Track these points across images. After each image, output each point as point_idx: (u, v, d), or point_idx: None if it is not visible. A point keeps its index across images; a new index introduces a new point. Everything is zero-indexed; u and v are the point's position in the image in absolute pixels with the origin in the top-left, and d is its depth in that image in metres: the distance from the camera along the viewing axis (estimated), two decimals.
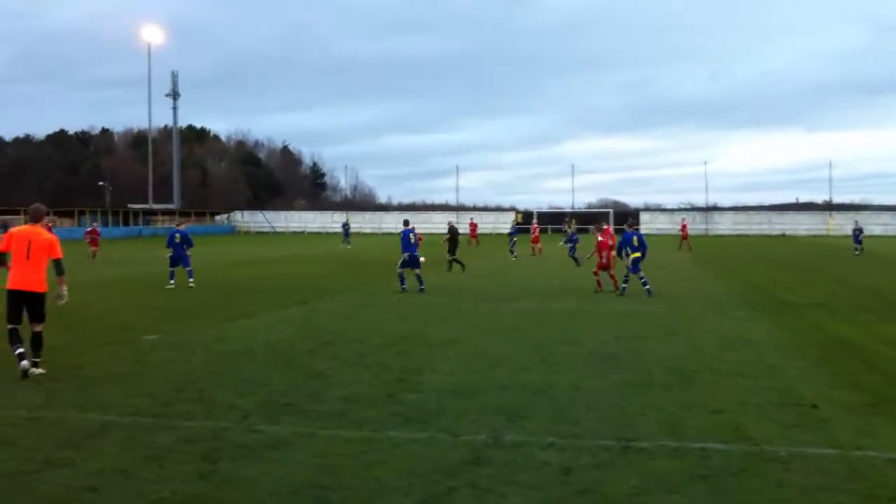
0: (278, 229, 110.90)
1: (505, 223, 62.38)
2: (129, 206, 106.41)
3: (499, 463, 7.21)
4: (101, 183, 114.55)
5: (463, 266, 31.94)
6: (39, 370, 11.20)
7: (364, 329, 15.93)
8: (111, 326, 16.30)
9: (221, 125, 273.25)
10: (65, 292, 11.58)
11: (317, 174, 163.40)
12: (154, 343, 14.10)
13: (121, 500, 6.24)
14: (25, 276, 11.18)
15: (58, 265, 11.40)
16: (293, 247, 59.65)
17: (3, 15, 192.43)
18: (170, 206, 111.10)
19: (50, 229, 12.15)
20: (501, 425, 8.48)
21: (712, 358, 12.67)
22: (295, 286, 25.19)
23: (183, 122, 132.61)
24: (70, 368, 11.75)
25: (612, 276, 23.64)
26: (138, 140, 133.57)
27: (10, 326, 11.19)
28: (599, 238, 24.08)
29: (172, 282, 25.66)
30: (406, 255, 24.42)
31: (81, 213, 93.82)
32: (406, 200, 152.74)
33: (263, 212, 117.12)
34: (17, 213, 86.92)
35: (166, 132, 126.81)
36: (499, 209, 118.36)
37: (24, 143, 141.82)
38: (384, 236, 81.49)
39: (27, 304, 11.24)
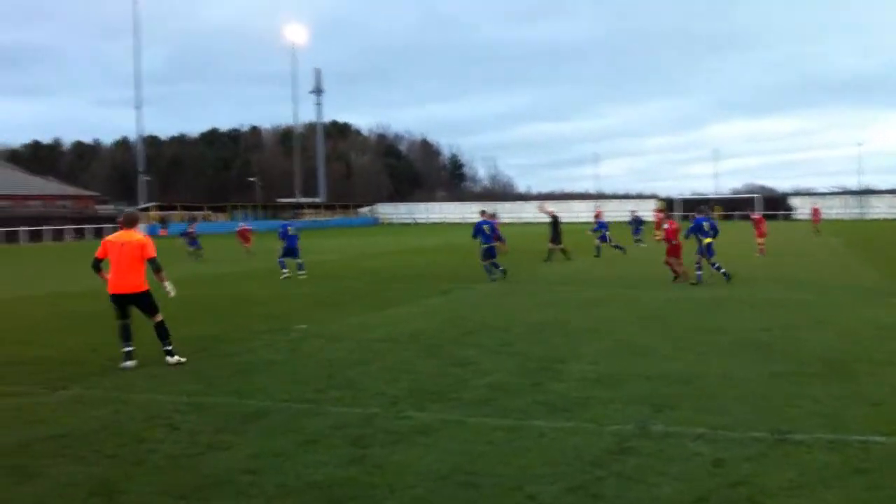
0: (419, 220, 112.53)
1: (646, 211, 61.12)
2: (278, 200, 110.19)
3: (646, 453, 7.11)
4: (250, 178, 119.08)
5: (567, 254, 31.76)
6: (176, 358, 11.72)
7: (505, 317, 15.99)
8: (263, 316, 16.96)
9: (363, 119, 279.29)
10: (168, 287, 11.88)
11: (455, 165, 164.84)
12: (304, 332, 14.58)
13: (278, 482, 6.50)
14: (123, 279, 11.64)
15: (153, 263, 11.71)
16: (434, 237, 60.37)
17: (157, 16, 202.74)
18: (315, 200, 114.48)
19: (163, 226, 12.72)
20: (648, 415, 8.35)
21: (869, 348, 12.08)
22: (436, 275, 25.55)
23: (326, 118, 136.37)
24: (226, 356, 12.30)
25: (679, 264, 23.15)
26: (285, 136, 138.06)
27: (119, 322, 11.76)
28: (666, 226, 23.94)
29: (285, 271, 26.70)
30: (484, 246, 24.65)
31: (234, 207, 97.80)
32: (545, 189, 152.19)
33: (404, 203, 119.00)
34: (174, 208, 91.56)
35: (311, 128, 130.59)
36: (640, 196, 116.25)
37: (180, 141, 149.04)
38: (524, 226, 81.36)
39: (131, 304, 11.74)
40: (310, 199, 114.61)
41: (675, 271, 22.91)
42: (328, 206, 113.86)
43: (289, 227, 27.66)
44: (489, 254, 24.71)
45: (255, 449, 7.42)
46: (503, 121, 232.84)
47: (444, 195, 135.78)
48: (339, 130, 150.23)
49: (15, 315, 18.29)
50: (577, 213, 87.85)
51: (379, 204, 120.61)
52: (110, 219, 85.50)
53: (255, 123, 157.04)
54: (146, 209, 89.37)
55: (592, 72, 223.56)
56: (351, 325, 15.49)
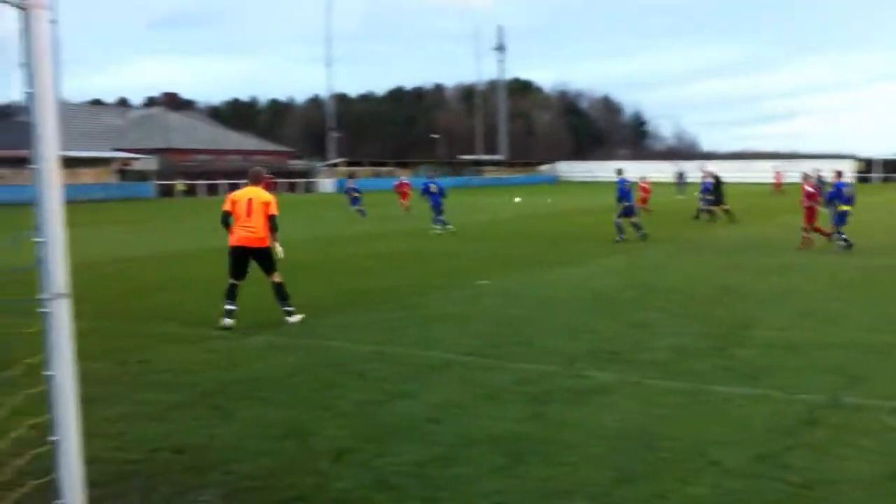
0: (600, 179, 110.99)
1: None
2: (459, 157, 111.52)
3: (837, 425, 6.81)
4: (433, 136, 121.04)
5: (732, 216, 30.77)
6: (295, 318, 11.76)
7: (686, 279, 15.63)
8: (442, 272, 17.33)
9: (544, 76, 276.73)
10: (278, 248, 11.92)
11: (638, 122, 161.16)
12: (485, 288, 14.80)
13: (460, 433, 6.67)
14: (246, 232, 11.73)
15: (271, 221, 11.80)
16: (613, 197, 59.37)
17: None
18: (497, 158, 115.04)
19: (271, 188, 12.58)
20: (840, 386, 7.98)
21: None
22: (614, 235, 25.14)
23: (509, 75, 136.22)
24: (409, 309, 12.68)
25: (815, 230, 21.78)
26: (467, 94, 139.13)
27: (231, 281, 11.75)
28: (809, 189, 22.36)
29: (437, 227, 27.55)
30: (625, 204, 24.57)
31: (417, 164, 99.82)
32: (732, 148, 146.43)
33: (584, 161, 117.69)
34: (360, 164, 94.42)
35: (493, 85, 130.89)
36: (837, 156, 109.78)
37: (368, 99, 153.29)
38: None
39: (252, 259, 11.79)
40: (491, 157, 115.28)
41: (820, 232, 21.74)
42: (509, 164, 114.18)
43: (430, 185, 28.33)
44: (628, 212, 24.74)
45: (437, 399, 7.64)
46: (688, 77, 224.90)
47: (626, 153, 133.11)
48: (520, 88, 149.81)
49: (214, 264, 19.47)
50: (758, 174, 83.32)
51: (559, 162, 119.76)
52: (302, 173, 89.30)
53: (439, 81, 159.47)
54: (335, 165, 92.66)
55: (783, 22, 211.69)
56: (529, 282, 15.58)
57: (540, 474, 5.73)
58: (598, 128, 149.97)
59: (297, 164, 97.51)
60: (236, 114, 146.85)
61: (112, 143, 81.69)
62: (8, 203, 38.67)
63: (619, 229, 24.25)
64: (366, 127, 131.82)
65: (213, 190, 75.51)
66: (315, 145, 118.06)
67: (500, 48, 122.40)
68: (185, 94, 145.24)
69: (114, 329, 11.19)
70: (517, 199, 46.18)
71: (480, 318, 11.92)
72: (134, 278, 17.09)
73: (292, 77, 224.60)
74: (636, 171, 39.20)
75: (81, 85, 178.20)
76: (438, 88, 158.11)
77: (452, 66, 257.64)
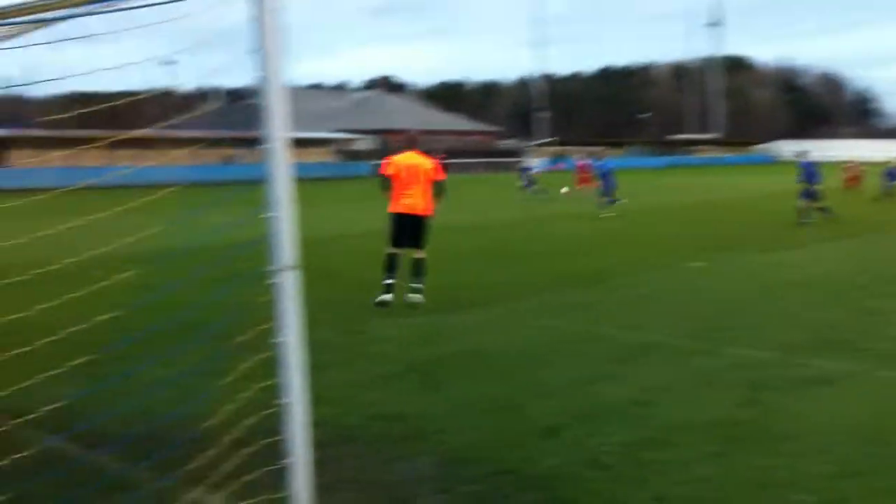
0: (825, 158, 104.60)
1: None
2: (669, 137, 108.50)
3: None
4: (642, 115, 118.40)
5: None
6: (419, 297, 11.23)
7: None
8: (653, 253, 16.94)
9: (762, 52, 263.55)
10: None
11: (864, 100, 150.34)
12: (700, 270, 14.36)
13: (671, 416, 6.52)
14: (409, 199, 11.34)
15: (437, 186, 11.54)
16: (836, 177, 55.88)
17: None
18: (710, 137, 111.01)
19: (442, 164, 12.00)
20: None
21: None
22: (845, 219, 23.63)
23: (723, 52, 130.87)
24: (618, 289, 12.51)
25: None
26: (678, 72, 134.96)
27: (390, 251, 11.41)
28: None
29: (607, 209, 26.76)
30: (808, 185, 22.70)
31: (625, 144, 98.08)
32: None
33: (804, 141, 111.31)
34: (568, 144, 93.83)
35: (706, 63, 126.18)
36: None
37: (576, 79, 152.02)
38: None
39: (410, 227, 11.28)
40: (704, 136, 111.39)
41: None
42: (723, 143, 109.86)
43: (603, 167, 28.45)
44: (809, 195, 22.94)
45: (646, 382, 7.50)
46: None
47: (850, 132, 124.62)
48: (735, 65, 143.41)
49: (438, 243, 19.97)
50: None
51: (777, 141, 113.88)
52: (511, 153, 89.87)
53: (649, 60, 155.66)
54: (546, 144, 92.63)
55: None
56: (746, 265, 14.98)
57: (756, 464, 5.50)
58: (820, 105, 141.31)
59: (506, 143, 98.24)
60: (446, 95, 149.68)
61: (333, 125, 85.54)
62: (242, 181, 41.27)
63: (802, 212, 22.75)
64: (574, 106, 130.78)
65: None
66: (523, 125, 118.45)
67: (715, 24, 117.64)
68: (399, 76, 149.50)
69: (336, 300, 11.65)
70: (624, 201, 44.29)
71: (693, 300, 11.59)
72: (356, 252, 17.84)
73: (501, 60, 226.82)
74: (865, 150, 36.94)
75: (305, 69, 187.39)
76: (648, 67, 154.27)
77: (663, 45, 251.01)
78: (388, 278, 11.26)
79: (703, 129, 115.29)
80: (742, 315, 10.46)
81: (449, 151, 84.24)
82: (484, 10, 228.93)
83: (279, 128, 4.25)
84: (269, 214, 4.27)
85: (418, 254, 11.45)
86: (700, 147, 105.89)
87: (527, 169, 38.45)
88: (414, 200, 11.36)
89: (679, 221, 24.42)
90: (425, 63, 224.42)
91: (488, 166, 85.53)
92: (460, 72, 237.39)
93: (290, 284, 4.30)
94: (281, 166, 4.26)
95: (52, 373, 5.03)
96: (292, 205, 4.30)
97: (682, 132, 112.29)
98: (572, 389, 7.33)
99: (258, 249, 4.51)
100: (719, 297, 11.86)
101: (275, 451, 4.40)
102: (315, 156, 70.67)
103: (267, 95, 4.22)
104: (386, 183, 11.63)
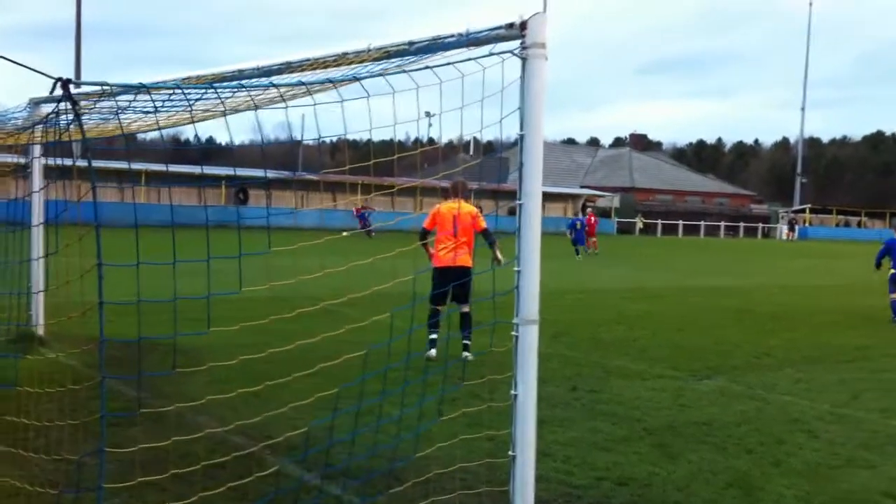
0: None
1: None
2: None
3: None
4: None
5: None
6: (469, 354, 10.65)
7: None
8: None
9: None
10: (499, 255, 10.38)
11: None
12: None
13: None
14: (453, 252, 10.70)
15: (486, 234, 10.94)
16: None
17: (843, 21, 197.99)
18: None
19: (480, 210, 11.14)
20: None
21: None
22: None
23: None
24: (876, 371, 11.64)
25: None
26: None
27: (432, 307, 10.82)
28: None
29: None
30: None
31: (893, 214, 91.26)
32: None
33: None
34: (829, 211, 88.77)
35: None
36: None
37: (841, 143, 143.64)
38: None
39: (453, 280, 10.33)
40: None
41: None
42: None
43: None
44: None
45: None
46: None
47: None
48: None
49: (675, 303, 19.58)
50: None
51: None
52: (764, 218, 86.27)
53: None
54: (800, 211, 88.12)
55: None
56: None
57: None
58: None
59: (760, 208, 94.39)
60: (700, 155, 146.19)
61: (579, 180, 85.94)
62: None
63: None
64: (837, 173, 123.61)
65: (670, 230, 75.97)
66: (779, 190, 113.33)
67: None
68: (653, 135, 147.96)
69: (569, 356, 11.71)
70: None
71: None
72: (591, 309, 17.78)
73: (761, 120, 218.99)
74: None
75: (560, 125, 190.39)
76: None
77: None
78: (433, 333, 10.80)
79: None
80: None
81: (692, 213, 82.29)
82: (756, 71, 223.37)
83: (535, 184, 4.39)
84: (516, 268, 4.41)
85: (465, 308, 10.97)
86: None
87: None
88: (456, 252, 10.76)
89: None
90: (682, 122, 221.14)
91: (741, 230, 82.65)
92: (718, 132, 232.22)
93: (530, 338, 4.40)
94: (532, 222, 4.39)
95: (298, 403, 5.43)
96: (538, 261, 4.42)
97: None
98: (814, 472, 6.92)
99: (498, 300, 4.66)
100: None
101: (496, 501, 4.49)
102: (558, 210, 71.19)
103: (526, 152, 4.38)
104: (425, 235, 11.12)
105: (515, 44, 4.32)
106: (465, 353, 10.71)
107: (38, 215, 10.60)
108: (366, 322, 5.99)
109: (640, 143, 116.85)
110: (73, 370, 8.73)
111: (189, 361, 8.92)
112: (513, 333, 4.40)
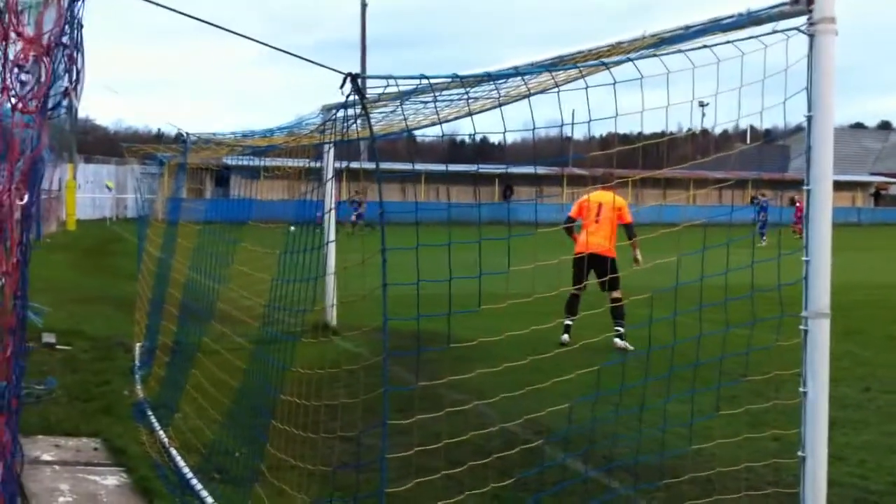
0: None
1: None
2: None
3: None
4: None
5: None
6: (624, 343, 10.56)
7: None
8: None
9: None
10: (639, 256, 10.86)
11: None
12: None
13: None
14: (593, 239, 10.94)
15: (627, 229, 11.26)
16: None
17: None
18: None
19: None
20: None
21: None
22: None
23: None
24: None
25: None
26: None
27: (572, 292, 10.99)
28: None
29: None
30: None
31: None
32: None
33: None
34: None
35: None
36: None
37: None
38: None
39: (595, 268, 10.92)
40: None
41: None
42: None
43: None
44: None
45: None
46: None
47: None
48: None
49: None
50: None
51: None
52: None
53: None
54: None
55: None
56: None
57: None
58: None
59: None
60: None
61: (867, 168, 79.91)
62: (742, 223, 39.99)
63: None
64: None
65: None
66: None
67: None
68: None
69: (861, 355, 10.98)
70: None
71: None
72: (885, 306, 16.55)
73: None
74: None
75: (848, 110, 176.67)
76: None
77: None
78: (568, 319, 11.13)
79: None
80: None
81: None
82: None
83: (825, 169, 4.13)
84: (805, 258, 4.17)
85: (615, 293, 11.00)
86: None
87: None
88: (597, 240, 11.05)
89: None
90: None
91: None
92: None
93: (821, 333, 4.14)
94: (823, 210, 4.13)
95: (582, 399, 5.39)
96: (829, 251, 4.16)
97: None
98: None
99: (786, 291, 4.42)
100: None
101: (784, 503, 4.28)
102: (845, 200, 66.56)
103: (814, 136, 4.13)
104: (569, 223, 11.62)
105: (801, 20, 4.07)
106: (616, 341, 10.74)
107: (330, 217, 11.30)
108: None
109: None
110: (361, 357, 9.35)
111: (465, 351, 9.20)
112: (801, 328, 4.15)
